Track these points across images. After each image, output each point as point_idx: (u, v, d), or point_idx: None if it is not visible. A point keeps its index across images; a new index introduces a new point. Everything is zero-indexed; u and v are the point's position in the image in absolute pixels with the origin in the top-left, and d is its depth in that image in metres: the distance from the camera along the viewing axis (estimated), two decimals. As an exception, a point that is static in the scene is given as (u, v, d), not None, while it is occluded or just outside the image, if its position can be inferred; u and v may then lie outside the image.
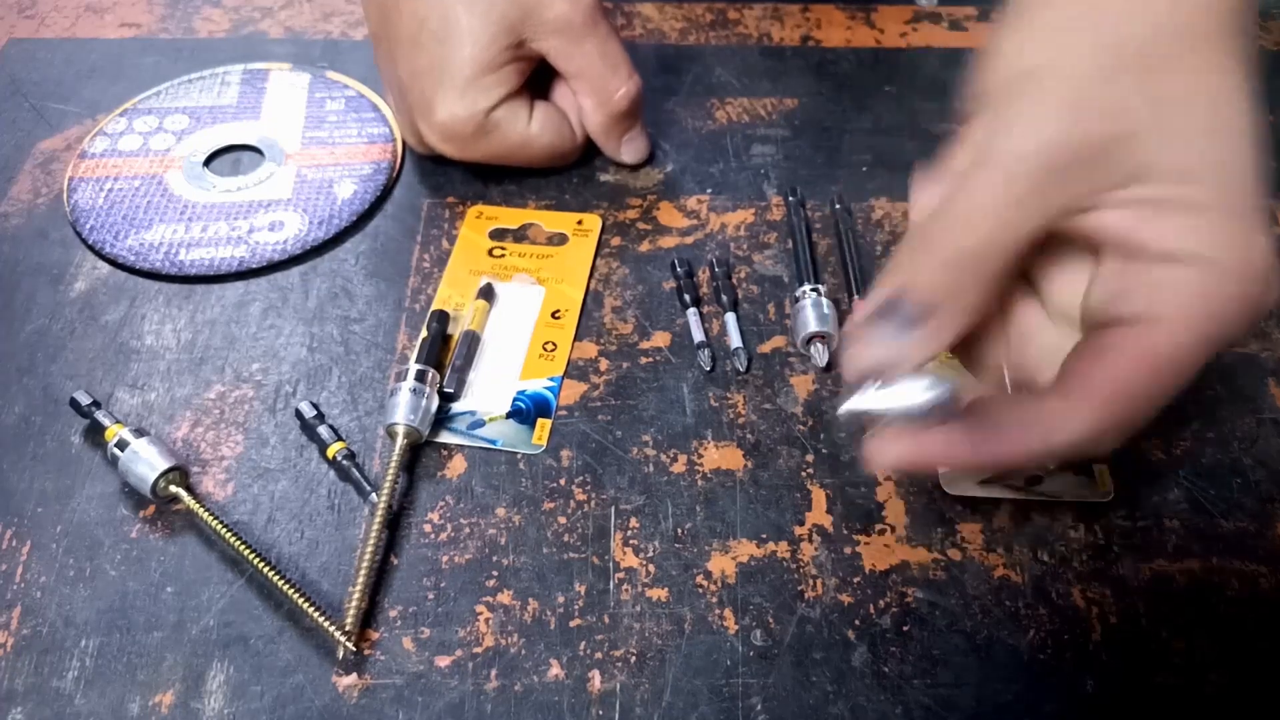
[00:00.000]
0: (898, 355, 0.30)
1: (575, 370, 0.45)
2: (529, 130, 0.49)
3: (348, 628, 0.36)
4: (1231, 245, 0.29)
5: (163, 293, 0.48)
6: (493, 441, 0.42)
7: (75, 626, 0.37)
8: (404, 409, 0.41)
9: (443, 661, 0.37)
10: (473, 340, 0.45)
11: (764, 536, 0.40)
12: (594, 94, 0.50)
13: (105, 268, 0.49)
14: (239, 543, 0.38)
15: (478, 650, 0.37)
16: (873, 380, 0.31)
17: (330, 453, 0.41)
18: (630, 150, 0.52)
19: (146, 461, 0.39)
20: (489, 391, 0.44)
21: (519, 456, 0.42)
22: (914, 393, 0.30)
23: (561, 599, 0.38)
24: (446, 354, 0.45)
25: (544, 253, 0.49)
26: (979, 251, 0.29)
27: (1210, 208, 0.29)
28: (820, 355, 0.44)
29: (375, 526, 0.39)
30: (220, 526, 0.39)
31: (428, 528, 0.40)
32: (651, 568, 0.39)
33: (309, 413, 0.42)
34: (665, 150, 0.54)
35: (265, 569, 0.38)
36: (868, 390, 0.31)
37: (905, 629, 0.37)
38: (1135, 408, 0.31)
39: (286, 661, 0.36)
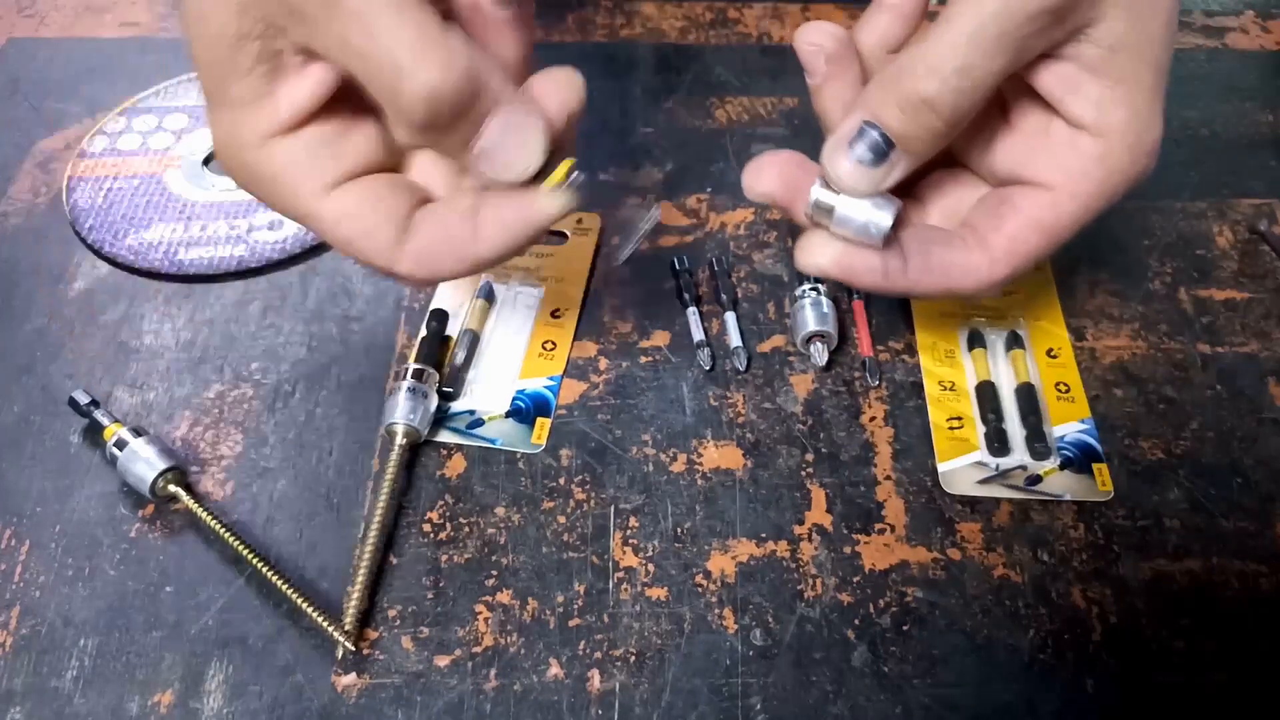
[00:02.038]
0: (861, 177, 0.34)
1: (575, 369, 0.45)
2: (320, 205, 0.33)
3: (347, 627, 0.36)
4: (1135, 121, 0.33)
5: (162, 292, 0.48)
6: (492, 441, 0.42)
7: (74, 626, 0.37)
8: (403, 408, 0.41)
9: (442, 661, 0.37)
10: (472, 339, 0.45)
11: (763, 536, 0.40)
12: (388, 99, 0.31)
13: (104, 267, 0.49)
14: (238, 542, 0.38)
15: (477, 650, 0.37)
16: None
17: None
18: (491, 164, 0.32)
19: (145, 461, 0.39)
20: (488, 391, 0.44)
21: (518, 456, 0.42)
22: (866, 208, 0.34)
23: (561, 598, 0.38)
24: (446, 353, 0.45)
25: (544, 251, 0.49)
26: (944, 97, 0.32)
27: (1127, 81, 0.33)
28: (820, 354, 0.44)
29: (375, 526, 0.38)
30: (219, 526, 0.39)
31: (427, 527, 0.40)
32: (651, 567, 0.39)
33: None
34: (665, 149, 0.54)
35: (264, 568, 0.38)
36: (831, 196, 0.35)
37: (905, 629, 0.37)
38: (1023, 264, 0.36)
39: (285, 661, 0.36)
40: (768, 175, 0.36)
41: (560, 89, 0.34)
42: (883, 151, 0.33)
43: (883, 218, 0.34)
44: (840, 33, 0.36)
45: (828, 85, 0.36)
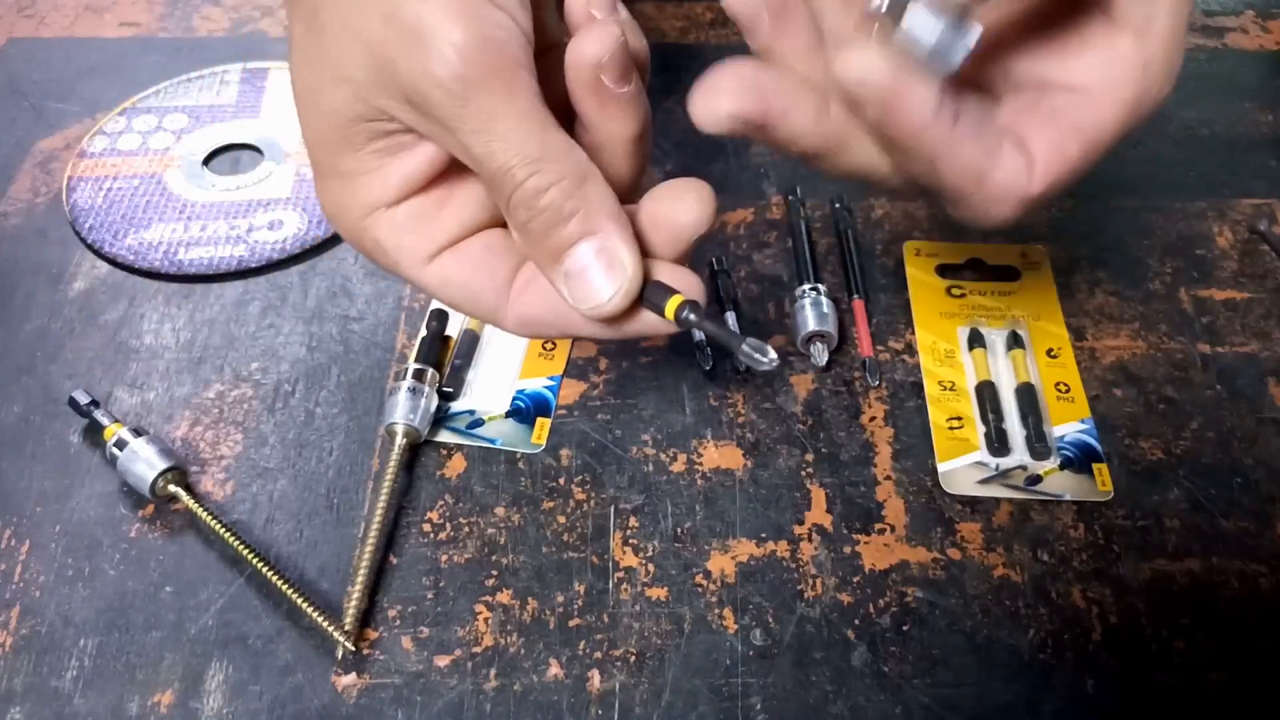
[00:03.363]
0: None
1: (575, 369, 0.45)
2: (423, 274, 0.33)
3: (347, 627, 0.36)
4: (1176, 36, 0.30)
5: (162, 292, 0.48)
6: (492, 441, 0.42)
7: (74, 626, 0.37)
8: (403, 408, 0.41)
9: (442, 661, 0.37)
10: (472, 339, 0.45)
11: (763, 536, 0.40)
12: (494, 194, 0.31)
13: (104, 267, 0.49)
14: (238, 542, 0.38)
15: (477, 650, 0.37)
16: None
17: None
18: (572, 287, 0.31)
19: (145, 461, 0.39)
20: (488, 391, 0.44)
21: (518, 456, 0.42)
22: (942, 23, 0.28)
23: (561, 598, 0.38)
24: (446, 353, 0.45)
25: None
26: None
27: None
28: (820, 354, 0.44)
29: (375, 526, 0.38)
30: (219, 526, 0.38)
31: (427, 527, 0.40)
32: (651, 567, 0.39)
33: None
34: (665, 149, 0.54)
35: (264, 568, 0.38)
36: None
37: (905, 629, 0.37)
38: (1062, 179, 0.30)
39: (285, 661, 0.36)
40: (728, 88, 0.29)
41: (688, 208, 0.31)
42: None
43: (965, 38, 0.28)
44: None
45: (778, 44, 0.31)
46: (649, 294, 0.31)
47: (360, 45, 0.29)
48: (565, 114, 0.32)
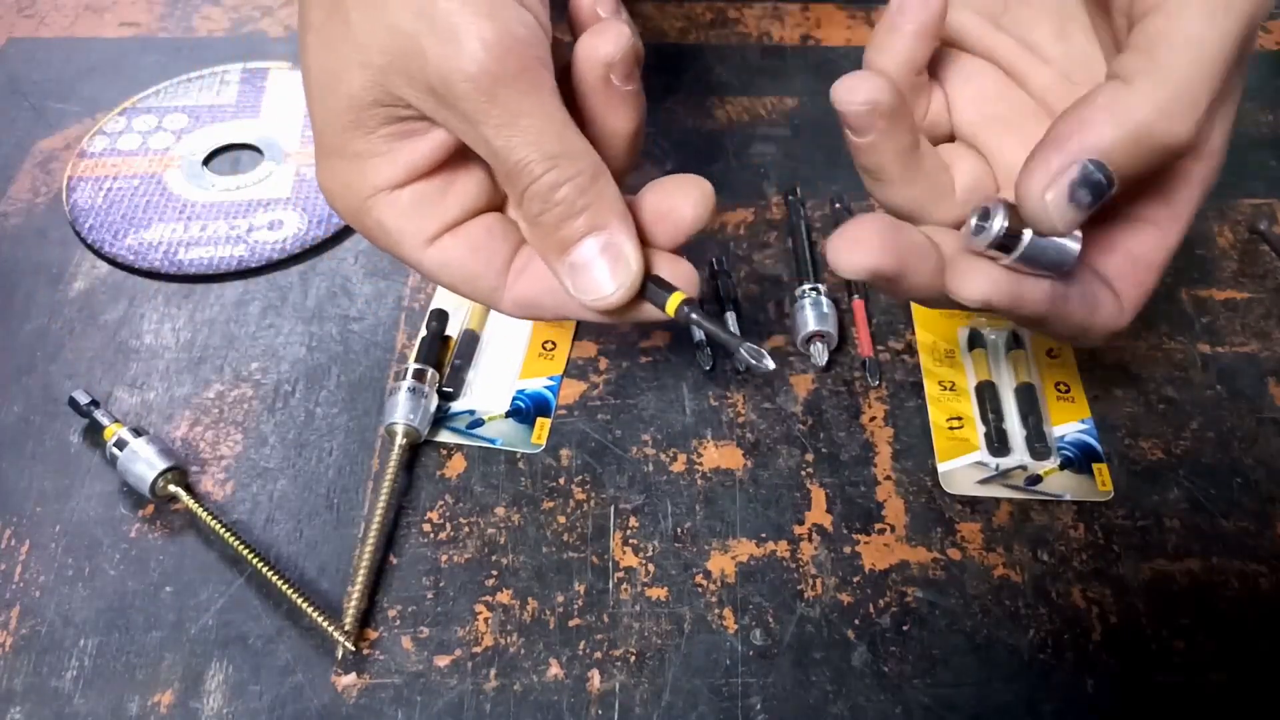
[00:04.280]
0: (1073, 217, 0.29)
1: (575, 369, 0.45)
2: (423, 256, 0.34)
3: (347, 627, 0.36)
4: (1228, 138, 0.32)
5: (162, 292, 0.48)
6: (492, 441, 0.42)
7: (74, 626, 0.37)
8: (403, 408, 0.41)
9: (442, 661, 0.37)
10: (472, 339, 0.45)
11: (763, 536, 0.40)
12: (508, 185, 0.33)
13: (104, 267, 0.49)
14: (238, 542, 0.38)
15: (477, 650, 0.37)
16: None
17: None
18: (576, 279, 0.32)
19: (145, 461, 0.39)
20: (488, 391, 0.44)
21: (518, 456, 0.42)
22: (1055, 240, 0.31)
23: (561, 598, 0.38)
24: (446, 353, 0.45)
25: (543, 252, 0.49)
26: (1179, 130, 0.29)
27: (1234, 95, 0.32)
28: (820, 354, 0.44)
29: (375, 526, 0.38)
30: (219, 526, 0.38)
31: (427, 527, 0.40)
32: (651, 567, 0.39)
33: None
34: (665, 149, 0.54)
35: (264, 568, 0.38)
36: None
37: (905, 629, 0.37)
38: (1143, 304, 0.34)
39: (285, 661, 0.36)
40: (869, 244, 0.30)
41: (691, 203, 0.33)
42: (1103, 191, 0.29)
43: (1072, 252, 0.31)
44: (889, 84, 0.31)
45: (882, 140, 0.32)
46: (650, 288, 0.32)
47: (388, 34, 0.29)
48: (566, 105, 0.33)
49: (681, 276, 0.33)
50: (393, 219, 0.33)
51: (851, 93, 0.31)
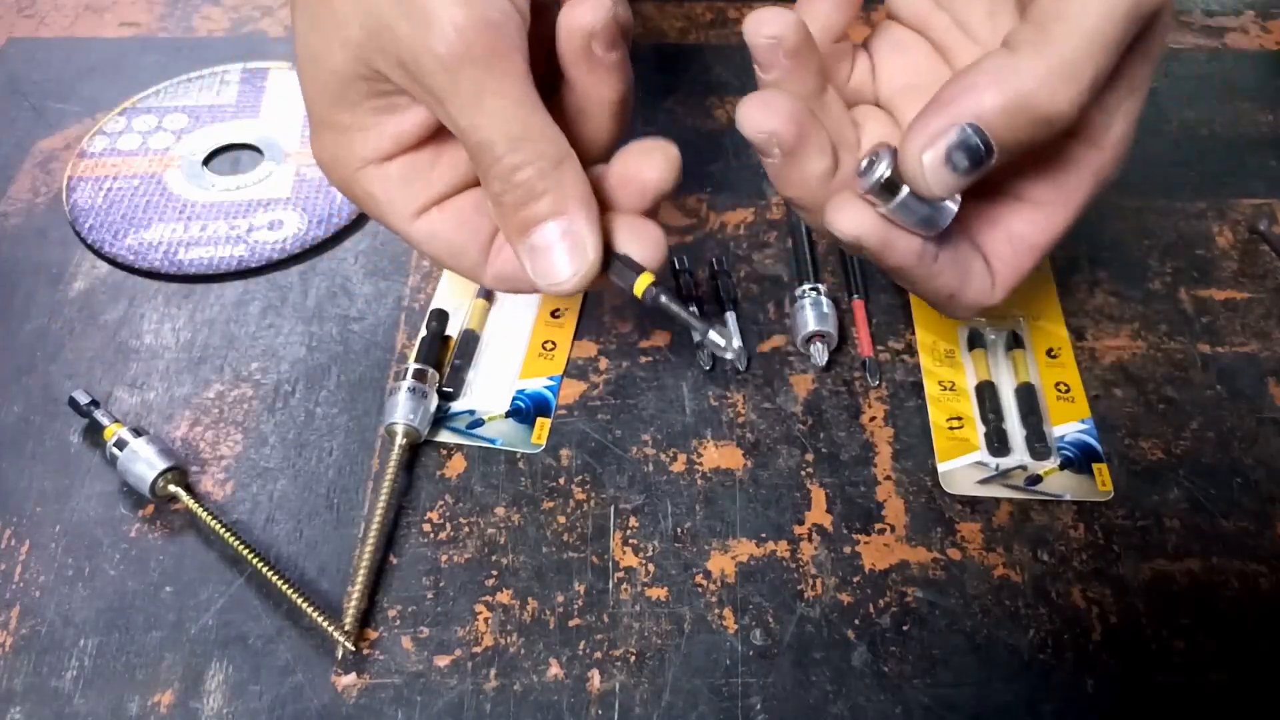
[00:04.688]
0: (949, 182, 0.30)
1: (575, 369, 0.45)
2: (410, 228, 0.35)
3: (347, 627, 0.36)
4: (1132, 133, 0.33)
5: (162, 292, 0.48)
6: (492, 441, 0.42)
7: (74, 626, 0.37)
8: (403, 408, 0.41)
9: (442, 661, 0.37)
10: (472, 339, 0.45)
11: (763, 536, 0.40)
12: (474, 165, 0.33)
13: (104, 267, 0.49)
14: (238, 542, 0.38)
15: (477, 650, 0.37)
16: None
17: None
18: (535, 262, 0.33)
19: (145, 461, 0.39)
20: (488, 391, 0.44)
21: (518, 456, 0.42)
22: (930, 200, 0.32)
23: (561, 598, 0.38)
24: (446, 353, 0.45)
25: (543, 252, 0.49)
26: (1061, 102, 0.30)
27: (1140, 90, 0.33)
28: (820, 354, 0.44)
29: (375, 526, 0.38)
30: (219, 526, 0.38)
31: (427, 527, 0.40)
32: (651, 567, 0.39)
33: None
34: (665, 149, 0.54)
35: (264, 568, 0.38)
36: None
37: (905, 629, 0.37)
38: (1017, 285, 0.35)
39: (285, 661, 0.36)
40: (778, 111, 0.31)
41: (654, 167, 0.34)
42: (980, 159, 0.30)
43: (946, 213, 0.32)
44: (798, 21, 0.32)
45: (788, 80, 0.32)
46: (619, 268, 0.33)
47: (364, 12, 0.31)
48: (553, 74, 0.34)
49: (649, 239, 0.34)
50: (381, 191, 0.34)
51: (760, 25, 0.32)
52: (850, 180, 0.33)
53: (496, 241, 0.35)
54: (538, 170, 0.31)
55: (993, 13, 0.35)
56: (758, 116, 0.31)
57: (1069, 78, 0.29)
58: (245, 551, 0.38)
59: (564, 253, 0.32)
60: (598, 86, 0.34)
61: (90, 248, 0.49)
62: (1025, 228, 0.34)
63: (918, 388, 0.44)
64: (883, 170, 0.31)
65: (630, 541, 0.40)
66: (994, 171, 0.31)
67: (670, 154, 0.34)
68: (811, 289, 0.45)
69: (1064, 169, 0.33)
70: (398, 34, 0.30)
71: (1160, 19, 0.31)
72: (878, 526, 0.40)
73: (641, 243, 0.34)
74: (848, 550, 0.39)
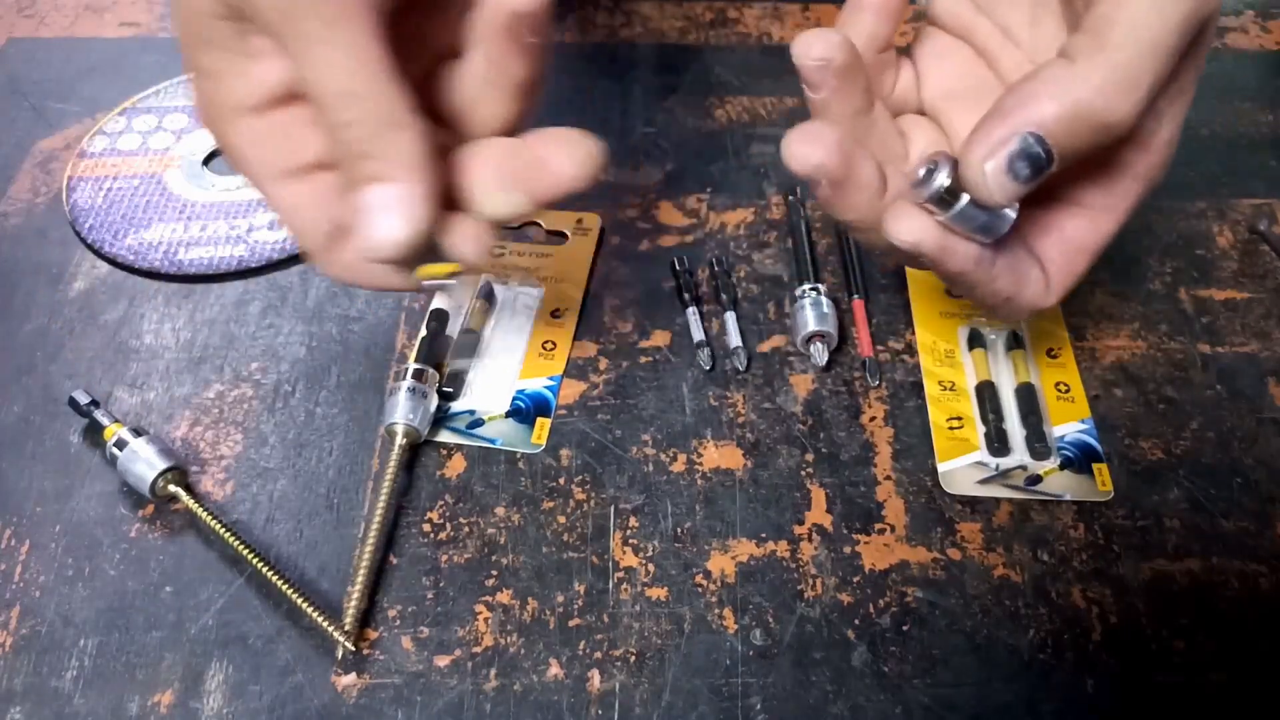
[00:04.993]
0: (1010, 189, 0.31)
1: (575, 369, 0.45)
2: (273, 190, 0.34)
3: (347, 627, 0.36)
4: (1178, 136, 0.34)
5: (162, 292, 0.48)
6: (492, 441, 0.42)
7: (74, 626, 0.37)
8: (403, 408, 0.41)
9: (442, 661, 0.37)
10: (472, 339, 0.45)
11: (763, 536, 0.40)
12: (312, 101, 0.31)
13: (104, 267, 0.49)
14: (238, 542, 0.38)
15: (477, 650, 0.37)
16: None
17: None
18: (359, 222, 0.32)
19: (145, 461, 0.39)
20: (488, 391, 0.44)
21: (518, 456, 0.42)
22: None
23: (561, 598, 0.38)
24: (446, 353, 0.45)
25: (543, 251, 0.49)
26: (1120, 111, 0.30)
27: (1188, 93, 0.33)
28: (820, 354, 0.44)
29: (375, 526, 0.38)
30: (219, 526, 0.38)
31: (427, 527, 0.40)
32: (651, 567, 0.39)
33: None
34: (665, 149, 0.54)
35: (264, 568, 0.38)
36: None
37: (905, 629, 0.37)
38: (1072, 287, 0.35)
39: (285, 661, 0.36)
40: (825, 144, 0.32)
41: (568, 158, 0.33)
42: (1041, 167, 0.30)
43: (1006, 219, 0.32)
44: (846, 41, 0.32)
45: (837, 98, 0.33)
46: (439, 248, 0.33)
47: None
48: (456, 38, 0.33)
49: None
50: (248, 144, 0.33)
51: (808, 47, 0.32)
52: (902, 193, 0.33)
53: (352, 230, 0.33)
54: (364, 129, 0.30)
55: (1035, 18, 0.35)
56: (804, 151, 0.32)
57: (1128, 86, 0.30)
58: (245, 551, 0.38)
59: (387, 219, 0.31)
60: (512, 64, 0.33)
61: (90, 248, 0.49)
62: (1077, 231, 0.35)
63: (918, 388, 0.44)
64: (942, 179, 0.31)
65: (630, 541, 0.40)
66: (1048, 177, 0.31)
67: (591, 150, 0.33)
68: (811, 289, 0.45)
69: (1114, 173, 0.34)
70: None
71: (1210, 23, 0.31)
72: (878, 526, 0.40)
73: (463, 234, 0.33)
74: (848, 550, 0.39)
